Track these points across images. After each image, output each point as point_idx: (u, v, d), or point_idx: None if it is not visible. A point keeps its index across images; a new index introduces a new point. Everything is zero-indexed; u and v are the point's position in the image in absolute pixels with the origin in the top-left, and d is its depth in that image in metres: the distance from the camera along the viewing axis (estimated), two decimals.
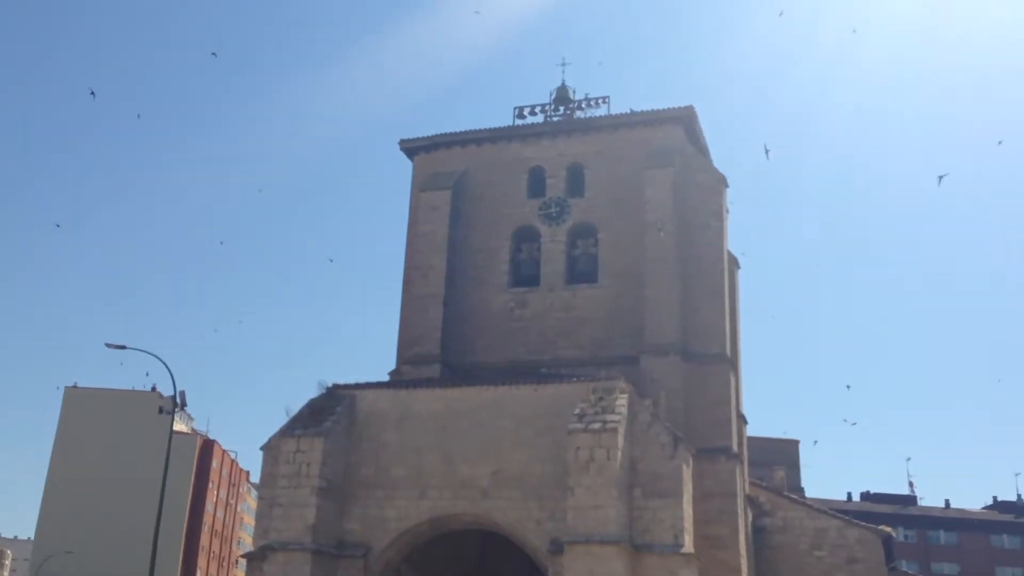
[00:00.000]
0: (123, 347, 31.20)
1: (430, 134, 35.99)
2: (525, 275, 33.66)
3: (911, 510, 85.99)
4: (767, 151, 62.45)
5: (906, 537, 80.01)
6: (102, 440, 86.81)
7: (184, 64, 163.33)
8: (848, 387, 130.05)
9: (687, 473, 24.54)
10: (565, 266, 33.01)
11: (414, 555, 26.76)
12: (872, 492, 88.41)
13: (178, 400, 30.77)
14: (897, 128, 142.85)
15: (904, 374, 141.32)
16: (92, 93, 72.89)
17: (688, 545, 23.54)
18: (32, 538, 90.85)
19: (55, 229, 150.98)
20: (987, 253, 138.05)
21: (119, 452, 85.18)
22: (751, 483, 34.27)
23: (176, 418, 33.37)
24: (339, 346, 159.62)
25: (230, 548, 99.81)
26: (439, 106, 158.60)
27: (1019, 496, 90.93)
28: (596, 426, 23.61)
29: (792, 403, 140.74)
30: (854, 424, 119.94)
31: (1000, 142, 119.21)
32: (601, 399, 24.61)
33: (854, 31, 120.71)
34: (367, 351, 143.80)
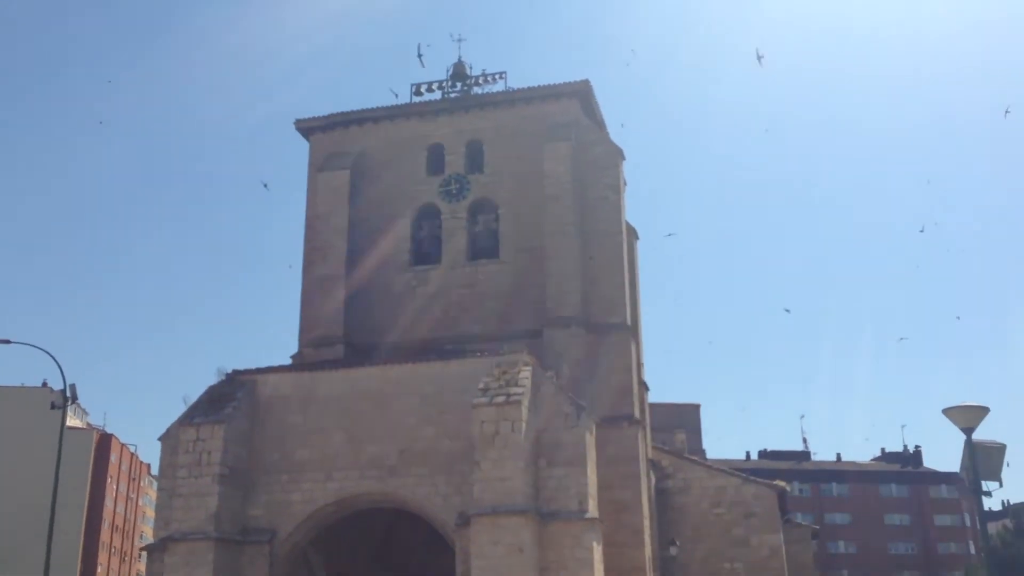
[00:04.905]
0: (7, 341, 29.89)
1: (326, 113, 35.50)
2: (427, 253, 33.64)
3: (805, 465, 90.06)
4: (760, 56, 60.19)
5: (801, 491, 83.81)
6: None
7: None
8: (710, 343, 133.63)
9: (590, 441, 25.11)
10: (467, 242, 33.13)
11: (321, 537, 26.68)
12: (769, 450, 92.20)
13: (69, 394, 29.65)
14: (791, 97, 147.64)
15: (796, 331, 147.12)
16: None
17: (592, 510, 24.14)
18: None
19: None
20: (878, 215, 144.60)
21: (11, 450, 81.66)
22: (653, 447, 35.27)
23: (69, 413, 32.21)
24: (239, 332, 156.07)
25: (132, 542, 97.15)
26: (333, 84, 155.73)
27: (905, 447, 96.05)
28: (500, 399, 23.91)
29: (693, 369, 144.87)
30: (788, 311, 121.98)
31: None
32: (505, 373, 24.92)
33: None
34: (269, 336, 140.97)
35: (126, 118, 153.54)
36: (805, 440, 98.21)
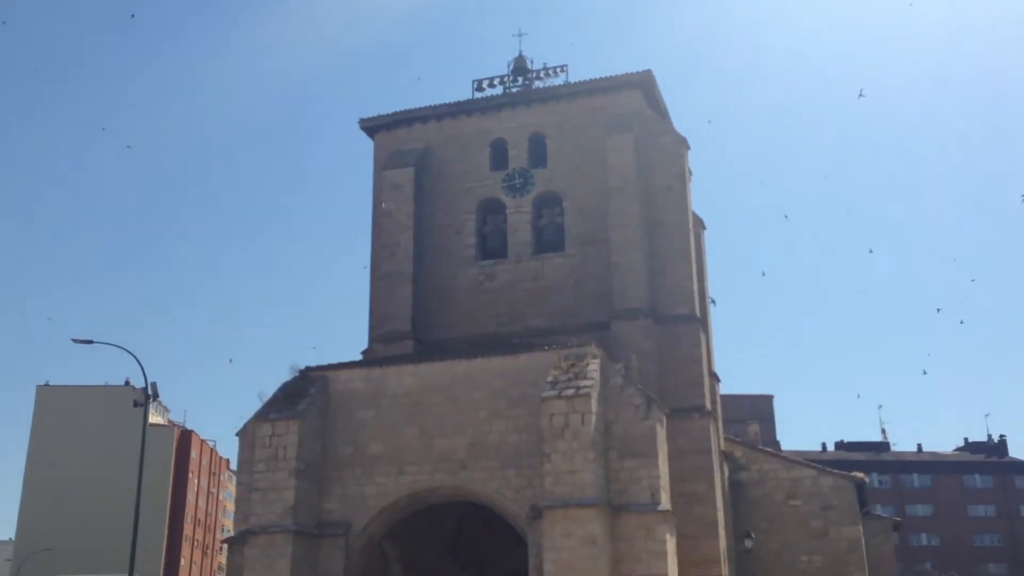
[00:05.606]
0: (90, 342, 30.97)
1: (390, 111, 35.86)
2: (492, 247, 33.76)
3: (884, 456, 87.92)
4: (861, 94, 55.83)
5: (880, 483, 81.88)
6: (78, 436, 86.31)
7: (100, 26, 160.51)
8: (763, 273, 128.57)
9: (661, 433, 24.90)
10: (532, 236, 33.14)
11: (395, 530, 27.00)
12: (846, 441, 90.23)
13: (150, 392, 30.60)
14: (835, 78, 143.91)
15: (871, 321, 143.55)
16: None
17: (665, 502, 23.94)
18: (12, 538, 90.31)
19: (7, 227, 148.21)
20: (950, 201, 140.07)
21: (96, 448, 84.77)
22: (726, 439, 34.80)
23: (151, 410, 33.26)
24: (311, 329, 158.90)
25: (214, 536, 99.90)
26: (395, 81, 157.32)
27: (989, 436, 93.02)
28: (569, 392, 23.85)
29: (766, 360, 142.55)
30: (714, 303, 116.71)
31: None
32: (573, 365, 24.84)
33: None
34: (339, 332, 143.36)
35: (196, 119, 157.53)
36: (884, 430, 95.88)
